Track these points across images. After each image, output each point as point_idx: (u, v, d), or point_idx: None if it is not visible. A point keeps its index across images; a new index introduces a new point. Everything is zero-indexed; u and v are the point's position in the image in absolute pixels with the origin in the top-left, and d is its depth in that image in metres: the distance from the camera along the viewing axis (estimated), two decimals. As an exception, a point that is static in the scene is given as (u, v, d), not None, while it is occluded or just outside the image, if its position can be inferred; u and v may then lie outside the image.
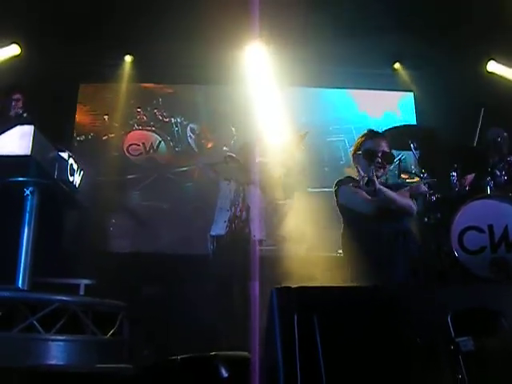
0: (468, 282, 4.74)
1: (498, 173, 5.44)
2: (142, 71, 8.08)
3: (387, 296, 2.21)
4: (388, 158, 4.08)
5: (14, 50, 7.22)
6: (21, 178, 4.21)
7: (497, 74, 7.87)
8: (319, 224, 5.57)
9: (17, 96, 5.49)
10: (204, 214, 6.75)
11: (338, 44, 7.41)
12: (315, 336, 2.00)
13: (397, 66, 8.28)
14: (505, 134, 6.03)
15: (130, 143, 8.10)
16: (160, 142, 8.18)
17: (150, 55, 7.83)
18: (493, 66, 7.91)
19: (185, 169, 7.78)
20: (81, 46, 7.40)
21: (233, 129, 8.13)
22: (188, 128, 8.25)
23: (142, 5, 6.85)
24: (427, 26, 7.26)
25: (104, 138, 8.17)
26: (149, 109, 8.31)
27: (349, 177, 4.27)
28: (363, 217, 3.95)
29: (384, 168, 4.04)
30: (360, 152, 4.14)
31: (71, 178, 4.51)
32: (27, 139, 3.92)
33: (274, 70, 7.38)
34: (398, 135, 5.40)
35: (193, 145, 8.23)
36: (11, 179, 4.22)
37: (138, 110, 8.27)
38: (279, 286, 2.14)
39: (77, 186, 4.64)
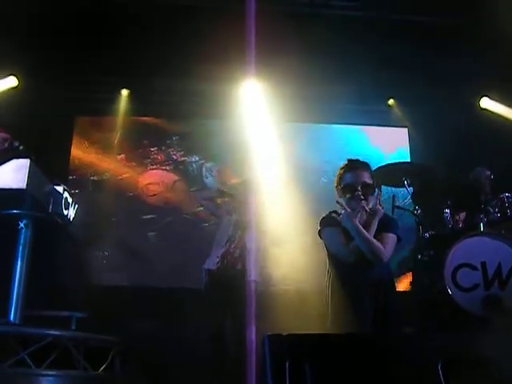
0: (461, 319, 4.74)
1: (491, 210, 5.48)
2: (138, 105, 8.12)
3: (379, 344, 2.21)
4: (369, 190, 3.99)
5: (11, 81, 7.28)
6: (15, 211, 4.20)
7: (490, 111, 7.95)
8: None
9: (3, 135, 5.51)
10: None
11: (333, 81, 7.51)
12: (306, 383, 2.00)
13: (391, 102, 8.37)
14: (487, 172, 6.10)
15: (146, 182, 8.13)
16: (176, 181, 8.19)
17: (147, 89, 7.89)
18: (486, 103, 8.00)
19: (201, 208, 7.65)
20: (79, 79, 7.47)
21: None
22: (204, 167, 8.27)
23: (141, 39, 6.93)
24: (420, 61, 7.36)
25: (119, 177, 8.19)
26: (163, 148, 8.34)
27: (333, 212, 4.16)
28: (343, 262, 3.90)
29: (366, 199, 3.97)
30: (340, 187, 4.07)
31: (66, 212, 4.50)
32: (23, 172, 3.91)
33: (270, 106, 7.44)
34: (391, 172, 5.45)
35: (209, 185, 8.21)
36: (5, 212, 4.21)
37: (153, 149, 8.30)
38: (271, 334, 2.14)
39: (71, 219, 4.63)
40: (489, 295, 4.78)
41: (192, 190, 8.13)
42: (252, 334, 4.51)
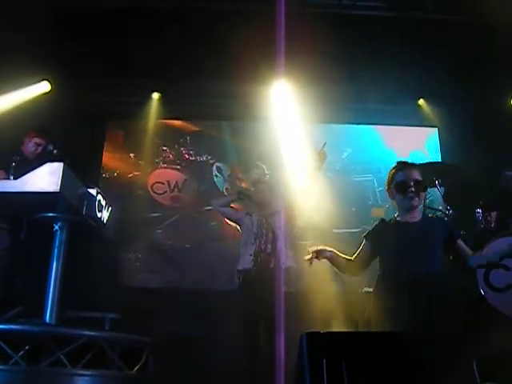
0: (496, 320, 4.69)
1: (524, 209, 5.43)
2: (169, 108, 8.17)
3: (415, 342, 2.21)
4: (421, 186, 4.03)
5: (44, 87, 7.39)
6: (50, 214, 4.28)
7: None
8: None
9: (37, 140, 5.62)
10: (228, 250, 6.79)
11: (361, 81, 7.49)
12: (344, 380, 2.01)
13: (421, 102, 8.30)
14: (510, 173, 6.03)
15: (154, 181, 8.19)
16: (185, 180, 8.24)
17: (177, 93, 7.95)
18: (517, 102, 7.89)
19: (209, 208, 7.66)
20: (110, 83, 7.57)
21: (264, 166, 8.15)
22: (214, 167, 8.32)
23: (169, 42, 6.99)
24: (450, 61, 7.31)
25: (129, 175, 8.28)
26: (176, 147, 8.40)
27: (382, 220, 4.22)
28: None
29: (419, 197, 4.00)
30: (392, 186, 4.11)
31: (99, 214, 4.57)
32: (56, 176, 3.98)
33: (299, 107, 7.42)
34: (423, 172, 5.42)
35: (218, 184, 8.28)
36: (41, 215, 4.30)
37: (165, 148, 8.36)
38: (308, 331, 2.16)
39: (105, 221, 4.70)
40: (523, 296, 4.72)
41: (202, 188, 8.24)
42: (281, 333, 4.52)
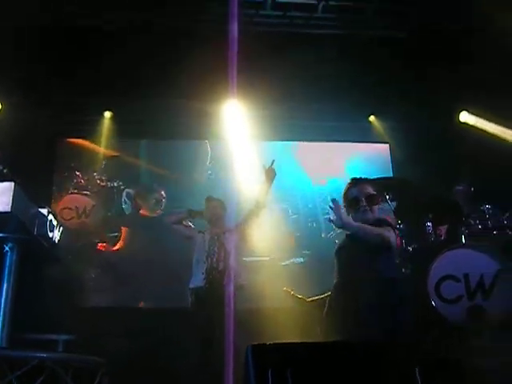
0: (446, 330, 4.79)
1: (472, 222, 5.56)
2: (120, 127, 8.08)
3: (359, 351, 2.26)
4: (373, 200, 4.09)
5: (-7, 104, 7.27)
6: (0, 235, 4.21)
7: (469, 124, 8.06)
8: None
9: None
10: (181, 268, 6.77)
11: (313, 98, 7.60)
12: (289, 391, 2.04)
13: (372, 118, 8.44)
14: (467, 185, 6.21)
15: (63, 207, 8.00)
16: (93, 206, 8.11)
17: (129, 111, 7.93)
18: (465, 117, 8.11)
19: (115, 234, 7.72)
20: (61, 101, 7.51)
21: (162, 192, 8.11)
22: (124, 193, 8.26)
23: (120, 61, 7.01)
24: (401, 78, 7.48)
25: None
26: (89, 172, 8.27)
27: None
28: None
29: (372, 210, 4.06)
30: (346, 204, 4.17)
31: (50, 234, 4.51)
32: (8, 195, 3.93)
33: (250, 125, 7.52)
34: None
35: (126, 210, 8.23)
36: (-9, 235, 4.23)
37: (77, 173, 8.23)
38: (255, 343, 2.18)
39: (56, 241, 4.65)
40: (472, 306, 4.84)
41: (154, 215, 8.08)
42: (230, 346, 4.53)
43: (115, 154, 8.32)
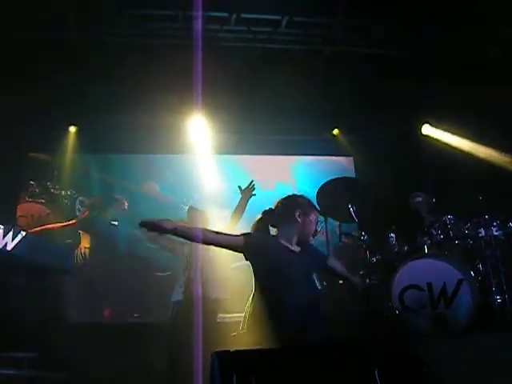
0: (410, 338, 4.85)
1: (434, 232, 5.65)
2: (85, 142, 8.08)
3: (320, 355, 2.30)
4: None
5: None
6: None
7: (431, 137, 8.22)
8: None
9: None
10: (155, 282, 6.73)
11: (276, 113, 7.68)
12: (253, 396, 2.07)
13: (336, 132, 8.56)
14: (429, 196, 6.34)
15: (18, 215, 7.97)
16: (48, 214, 8.11)
17: (94, 126, 7.90)
18: (427, 129, 8.27)
19: (69, 241, 7.64)
20: (27, 117, 7.44)
21: (125, 201, 7.98)
22: (77, 201, 8.28)
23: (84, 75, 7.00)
24: (363, 92, 7.61)
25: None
26: (43, 181, 8.26)
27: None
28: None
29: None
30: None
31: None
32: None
33: (214, 139, 7.59)
34: (332, 188, 5.67)
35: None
36: None
37: (32, 182, 8.21)
38: (218, 350, 2.21)
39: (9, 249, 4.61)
40: (436, 314, 4.92)
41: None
42: (199, 355, 4.51)
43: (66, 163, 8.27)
